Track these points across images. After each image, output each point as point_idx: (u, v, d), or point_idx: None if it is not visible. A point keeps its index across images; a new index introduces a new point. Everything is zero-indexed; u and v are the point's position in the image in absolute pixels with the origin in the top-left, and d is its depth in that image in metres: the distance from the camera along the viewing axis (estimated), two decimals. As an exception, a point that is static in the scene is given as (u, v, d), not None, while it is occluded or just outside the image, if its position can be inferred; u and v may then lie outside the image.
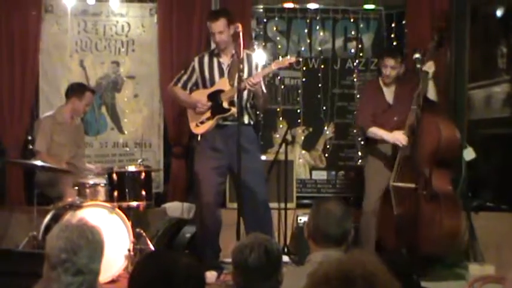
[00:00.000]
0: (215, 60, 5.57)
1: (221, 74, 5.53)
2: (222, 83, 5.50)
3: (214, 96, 5.47)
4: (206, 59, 5.61)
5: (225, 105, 5.44)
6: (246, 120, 5.53)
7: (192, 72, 5.63)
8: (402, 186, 5.56)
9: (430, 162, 5.47)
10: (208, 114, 5.49)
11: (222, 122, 5.46)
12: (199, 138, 5.55)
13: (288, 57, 5.56)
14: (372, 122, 5.78)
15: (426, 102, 5.60)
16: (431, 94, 5.70)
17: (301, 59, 6.94)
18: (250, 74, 5.50)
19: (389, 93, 5.89)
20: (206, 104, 5.47)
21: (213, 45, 6.67)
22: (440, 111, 5.85)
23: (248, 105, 5.57)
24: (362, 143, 6.72)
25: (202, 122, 5.52)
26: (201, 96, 5.53)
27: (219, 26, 5.40)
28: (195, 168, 5.56)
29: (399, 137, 5.59)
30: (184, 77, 5.66)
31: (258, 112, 6.10)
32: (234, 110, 5.38)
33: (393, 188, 5.61)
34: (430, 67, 5.62)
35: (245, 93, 5.45)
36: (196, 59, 5.67)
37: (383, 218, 5.71)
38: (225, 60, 5.55)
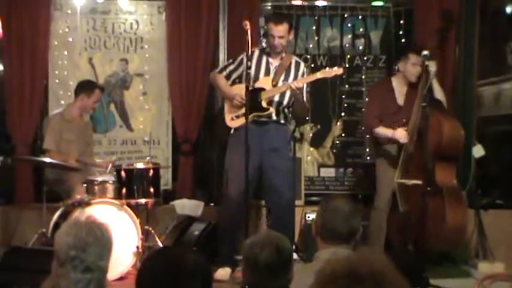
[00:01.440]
0: (264, 58, 5.57)
1: (266, 73, 5.54)
2: (265, 82, 5.51)
3: (254, 93, 5.44)
4: (256, 55, 5.59)
5: (264, 104, 5.46)
6: (282, 120, 5.57)
7: (240, 65, 5.60)
8: (407, 183, 5.55)
9: (433, 158, 5.47)
10: (245, 110, 5.47)
11: (258, 119, 5.45)
12: (232, 131, 5.53)
13: (336, 68, 5.50)
14: (378, 123, 5.78)
15: (431, 100, 5.59)
16: (438, 93, 5.71)
17: (309, 56, 6.94)
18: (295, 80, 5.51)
19: (400, 95, 5.88)
20: (244, 99, 5.45)
21: (221, 43, 6.73)
22: (443, 108, 5.85)
23: (285, 109, 5.58)
24: (369, 142, 6.69)
25: (238, 116, 5.52)
26: (241, 91, 5.48)
27: (281, 30, 5.40)
28: (227, 162, 5.56)
29: (400, 134, 5.60)
30: (231, 67, 5.67)
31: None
32: (271, 109, 5.44)
33: (398, 185, 5.61)
34: (432, 66, 5.62)
35: (286, 97, 5.49)
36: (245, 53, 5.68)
37: (389, 215, 5.71)
38: (274, 61, 5.56)
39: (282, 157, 5.52)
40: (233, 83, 5.67)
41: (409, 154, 5.59)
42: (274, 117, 5.51)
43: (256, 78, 5.54)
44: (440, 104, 5.78)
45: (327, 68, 5.63)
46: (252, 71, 5.53)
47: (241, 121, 5.45)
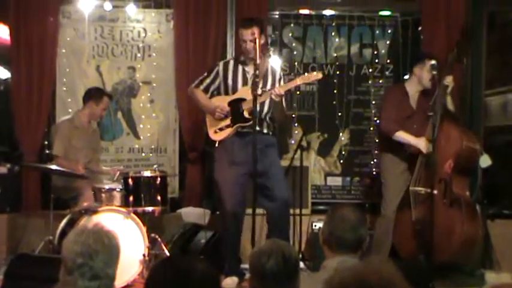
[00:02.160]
0: (240, 67, 5.52)
1: (244, 82, 5.47)
2: (244, 92, 5.43)
3: (235, 104, 5.43)
4: (231, 65, 5.55)
5: (246, 114, 5.38)
6: (265, 130, 5.51)
7: (216, 77, 5.58)
8: (422, 191, 5.53)
9: (452, 170, 5.46)
10: (227, 121, 5.45)
11: (241, 130, 5.43)
12: (217, 144, 5.52)
13: (315, 73, 5.48)
14: (398, 127, 5.73)
15: (448, 113, 5.60)
16: (449, 105, 5.75)
17: (316, 65, 6.95)
18: (273, 86, 5.47)
19: (413, 99, 5.88)
20: (226, 109, 5.45)
21: (229, 51, 6.73)
22: (459, 120, 5.87)
23: (268, 117, 5.52)
24: (376, 151, 6.69)
25: (221, 129, 5.48)
26: (221, 102, 5.48)
27: (249, 34, 5.33)
28: (216, 177, 5.50)
29: (423, 144, 5.59)
30: (207, 80, 5.61)
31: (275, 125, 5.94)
32: None
33: (413, 192, 5.59)
34: (450, 82, 5.63)
35: (266, 104, 5.42)
36: (221, 64, 5.62)
37: (399, 223, 5.69)
38: (250, 69, 5.46)
39: (271, 159, 5.41)
40: (212, 95, 5.63)
41: (425, 162, 5.58)
42: (257, 127, 5.31)
43: (235, 88, 5.49)
44: (455, 116, 5.79)
45: (306, 74, 5.61)
46: (230, 82, 5.51)
47: (225, 134, 5.45)
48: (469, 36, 5.95)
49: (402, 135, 5.72)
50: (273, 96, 5.27)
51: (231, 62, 5.60)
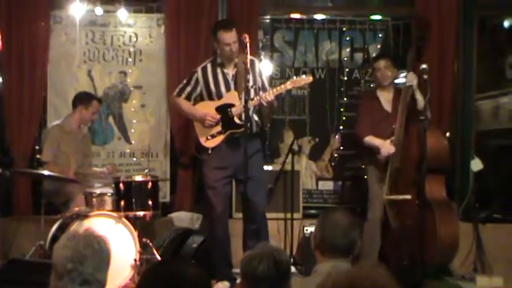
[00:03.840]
0: (219, 70, 5.50)
1: (227, 86, 5.47)
2: (232, 97, 5.43)
3: (224, 110, 5.42)
4: (209, 70, 5.52)
5: (237, 120, 5.39)
6: (254, 129, 5.50)
7: (196, 84, 5.56)
8: (396, 198, 5.51)
9: (420, 172, 5.41)
10: (219, 128, 5.43)
11: (232, 136, 5.42)
12: (209, 151, 5.48)
13: (304, 76, 5.49)
14: (369, 132, 5.78)
15: (413, 113, 5.57)
16: (420, 103, 5.62)
17: (307, 69, 6.96)
18: (254, 81, 5.44)
19: (386, 102, 5.90)
20: (216, 116, 5.43)
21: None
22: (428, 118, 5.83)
23: (254, 115, 5.52)
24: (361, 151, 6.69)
25: (213, 136, 5.46)
26: (208, 109, 5.46)
27: (233, 36, 5.33)
28: (205, 180, 5.52)
29: (387, 147, 5.59)
30: (188, 88, 5.59)
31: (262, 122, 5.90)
32: None
33: (387, 201, 5.57)
34: (412, 79, 5.58)
35: (251, 107, 5.39)
36: (199, 70, 5.59)
37: (382, 231, 5.68)
38: (229, 70, 5.48)
39: (253, 168, 5.27)
40: (194, 102, 5.62)
41: (396, 169, 5.57)
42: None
43: (219, 93, 5.47)
44: (419, 114, 5.74)
45: (295, 77, 5.60)
46: (212, 87, 5.48)
47: (218, 140, 5.44)
48: (425, 30, 5.89)
49: (370, 140, 5.76)
50: (263, 103, 5.28)
51: (209, 66, 5.57)
